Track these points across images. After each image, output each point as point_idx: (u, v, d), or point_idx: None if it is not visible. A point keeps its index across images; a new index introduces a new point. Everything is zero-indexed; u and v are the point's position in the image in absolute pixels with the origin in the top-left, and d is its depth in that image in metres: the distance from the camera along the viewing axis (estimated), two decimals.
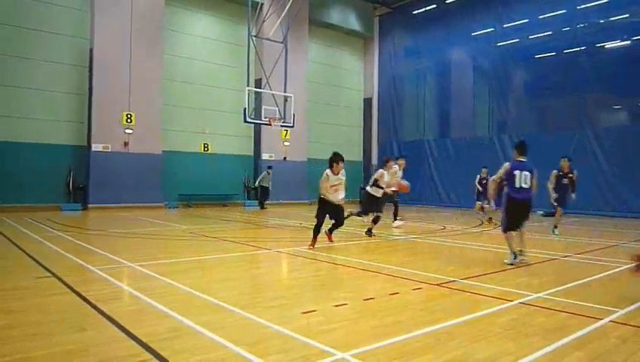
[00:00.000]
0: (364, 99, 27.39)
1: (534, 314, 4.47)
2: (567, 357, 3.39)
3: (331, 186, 8.21)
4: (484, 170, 14.85)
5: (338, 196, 8.31)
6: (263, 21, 20.31)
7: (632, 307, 4.68)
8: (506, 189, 7.14)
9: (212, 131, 21.21)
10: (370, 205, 10.54)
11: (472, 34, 22.26)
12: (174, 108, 20.07)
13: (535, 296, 5.10)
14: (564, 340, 3.68)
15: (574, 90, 18.37)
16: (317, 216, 8.38)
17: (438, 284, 5.64)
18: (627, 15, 17.32)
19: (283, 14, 18.96)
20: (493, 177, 7.35)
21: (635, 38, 17.22)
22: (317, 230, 8.33)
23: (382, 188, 10.30)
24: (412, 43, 25.25)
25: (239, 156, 22.05)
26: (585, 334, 3.86)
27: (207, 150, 21.10)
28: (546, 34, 19.65)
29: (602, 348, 3.58)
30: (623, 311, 4.51)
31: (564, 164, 10.80)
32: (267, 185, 19.44)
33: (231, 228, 12.56)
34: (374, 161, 26.78)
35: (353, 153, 26.05)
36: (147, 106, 18.55)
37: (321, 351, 3.37)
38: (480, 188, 14.66)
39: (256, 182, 19.79)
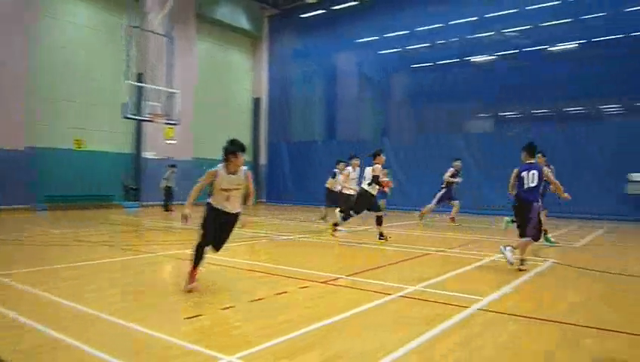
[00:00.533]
0: (254, 99, 27.24)
1: (413, 306, 4.78)
2: (440, 343, 3.67)
3: (222, 190, 5.33)
4: (385, 171, 15.20)
5: (232, 206, 5.42)
6: (147, 13, 19.26)
7: (496, 295, 5.21)
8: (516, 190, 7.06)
9: (89, 127, 19.60)
10: (369, 204, 9.65)
11: (357, 41, 23.21)
12: (44, 101, 18.20)
13: (413, 288, 5.45)
14: (439, 328, 3.98)
15: (448, 99, 20.01)
16: (204, 231, 5.37)
17: (324, 282, 5.78)
18: (493, 33, 19.26)
19: (167, 7, 18.17)
20: (510, 183, 7.19)
21: (498, 53, 19.22)
22: (200, 252, 5.35)
23: (381, 184, 9.58)
24: (301, 46, 25.65)
25: (118, 154, 20.64)
26: (457, 321, 4.21)
27: (82, 147, 19.46)
28: (423, 45, 21.15)
29: (472, 333, 3.93)
30: (487, 299, 5.00)
31: (540, 160, 9.93)
32: (172, 185, 18.23)
33: (109, 231, 11.72)
34: (262, 161, 26.71)
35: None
36: (7, 97, 16.59)
37: (208, 356, 3.28)
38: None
39: (162, 183, 18.35)
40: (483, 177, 18.44)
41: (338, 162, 14.02)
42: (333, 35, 23.90)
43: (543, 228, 7.39)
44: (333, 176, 13.83)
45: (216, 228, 5.43)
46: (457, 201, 13.64)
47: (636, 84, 15.99)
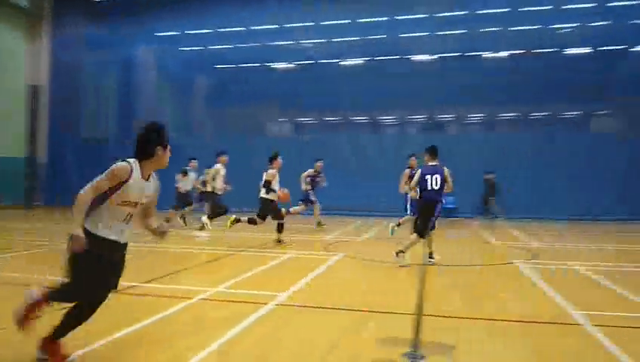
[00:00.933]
0: (32, 87, 23.65)
1: (214, 308, 4.73)
2: (241, 341, 3.72)
3: (123, 204, 3.19)
4: (208, 170, 14.21)
5: (127, 233, 3.36)
6: None
7: (293, 289, 5.49)
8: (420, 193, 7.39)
9: None
10: (269, 211, 9.22)
11: (157, 34, 22.11)
12: None
13: (214, 290, 5.40)
14: (239, 327, 4.02)
15: (250, 101, 20.43)
16: (84, 283, 3.15)
17: (117, 291, 5.32)
18: (292, 42, 20.33)
19: None
20: (411, 184, 7.54)
21: (297, 62, 20.42)
22: (80, 318, 3.30)
23: (275, 191, 9.14)
24: (94, 32, 23.15)
25: None
26: (257, 318, 4.31)
27: None
28: (226, 47, 21.21)
29: (270, 328, 4.06)
30: (285, 294, 5.23)
31: (413, 162, 10.43)
32: None
33: None
34: (42, 158, 23.39)
35: (14, 148, 22.14)
36: None
37: None
38: (204, 190, 13.63)
39: None
40: (281, 178, 19.35)
41: (190, 160, 13.04)
42: (132, 25, 22.23)
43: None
44: (185, 173, 12.79)
45: (106, 275, 3.25)
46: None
47: (409, 100, 18.69)
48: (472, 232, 13.12)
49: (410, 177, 10.04)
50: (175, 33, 21.84)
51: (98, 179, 3.12)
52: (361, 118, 20.88)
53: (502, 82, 17.22)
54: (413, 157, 10.51)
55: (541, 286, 5.89)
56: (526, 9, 17.52)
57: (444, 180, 7.26)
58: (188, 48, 21.80)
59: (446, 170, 7.33)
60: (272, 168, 9.34)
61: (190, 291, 5.34)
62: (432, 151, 7.48)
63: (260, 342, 3.75)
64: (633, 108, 17.20)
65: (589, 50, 17.62)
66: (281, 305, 4.83)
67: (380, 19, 19.10)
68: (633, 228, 14.03)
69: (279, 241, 9.35)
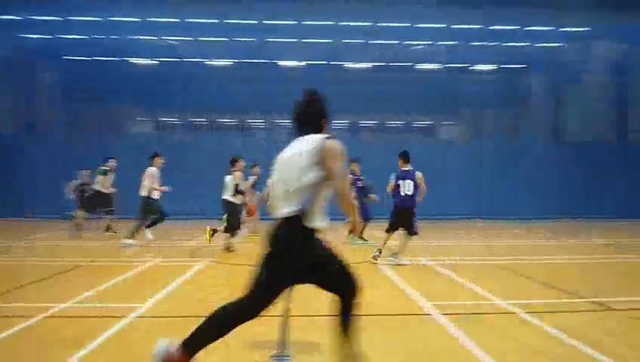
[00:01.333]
0: None
1: (64, 325, 4.28)
2: (99, 359, 3.41)
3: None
4: (85, 172, 12.54)
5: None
6: None
7: (154, 299, 5.19)
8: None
9: None
10: (234, 214, 9.05)
11: None
12: None
13: (64, 305, 4.89)
14: (94, 344, 3.69)
15: (107, 98, 18.88)
16: (272, 287, 3.10)
17: None
18: (155, 38, 19.29)
19: None
20: (387, 189, 7.69)
21: (161, 59, 19.42)
22: (232, 326, 3.11)
23: (243, 193, 9.24)
24: None
25: None
26: (113, 333, 3.99)
27: None
28: (79, 37, 19.37)
29: (131, 342, 3.79)
30: (146, 305, 4.93)
31: (355, 167, 10.40)
32: None
33: None
34: None
35: None
36: None
37: None
38: (79, 195, 12.08)
39: None
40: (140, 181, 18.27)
41: (107, 159, 11.38)
42: None
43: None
44: (104, 173, 11.20)
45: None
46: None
47: (277, 104, 18.85)
48: (337, 233, 13.68)
49: (353, 183, 10.32)
50: (15, 17, 19.30)
51: (335, 165, 2.70)
52: (228, 120, 20.63)
53: (362, 92, 18.29)
54: (354, 163, 10.55)
55: (397, 282, 6.35)
56: (385, 24, 18.85)
57: (416, 186, 7.47)
58: (31, 35, 19.42)
59: (418, 175, 7.54)
60: (237, 170, 9.18)
61: (34, 308, 4.76)
62: (404, 156, 7.57)
63: (116, 359, 3.48)
64: (475, 118, 19.58)
65: (438, 67, 19.59)
66: (141, 316, 4.54)
67: (249, 22, 19.06)
68: (477, 225, 15.85)
69: (228, 249, 9.13)
